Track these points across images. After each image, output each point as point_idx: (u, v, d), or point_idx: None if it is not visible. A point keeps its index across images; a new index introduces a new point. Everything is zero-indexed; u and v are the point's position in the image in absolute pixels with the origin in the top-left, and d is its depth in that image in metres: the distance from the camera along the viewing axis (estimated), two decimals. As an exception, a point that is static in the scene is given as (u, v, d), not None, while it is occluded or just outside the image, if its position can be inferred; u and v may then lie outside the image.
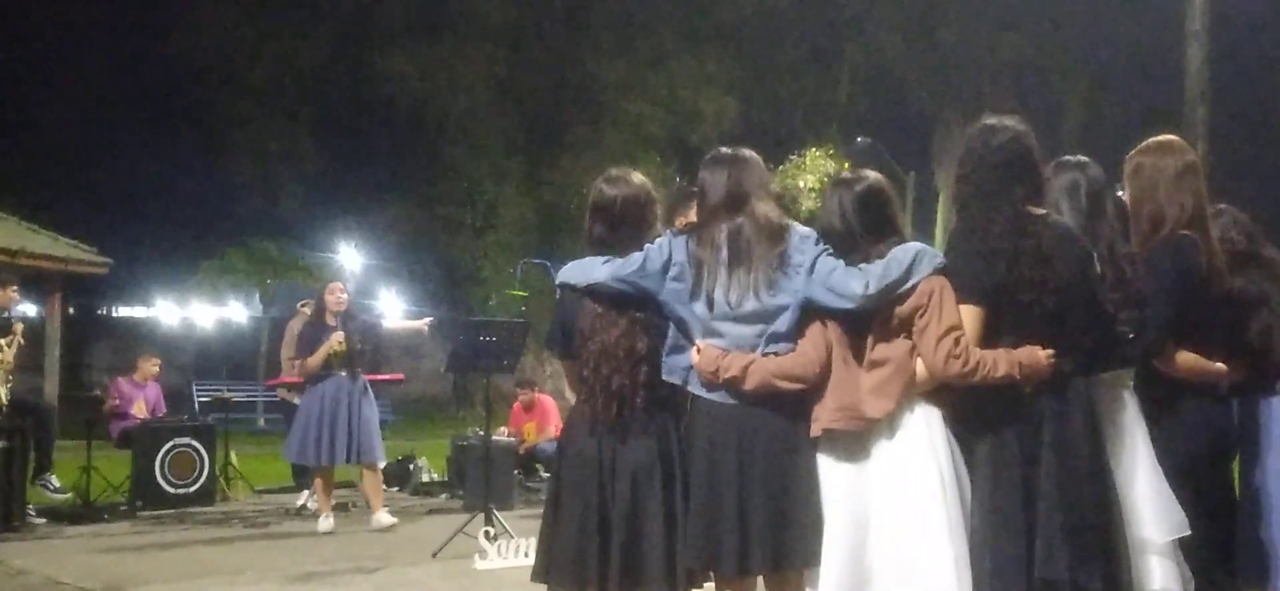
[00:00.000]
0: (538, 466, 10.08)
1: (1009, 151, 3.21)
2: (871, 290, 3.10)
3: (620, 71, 21.84)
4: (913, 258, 3.12)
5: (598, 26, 22.60)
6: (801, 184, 19.11)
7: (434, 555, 6.63)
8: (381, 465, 8.30)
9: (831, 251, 3.22)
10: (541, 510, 3.59)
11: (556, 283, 3.56)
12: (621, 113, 21.78)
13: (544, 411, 10.38)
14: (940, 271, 3.12)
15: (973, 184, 3.23)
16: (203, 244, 26.81)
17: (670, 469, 3.31)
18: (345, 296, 8.08)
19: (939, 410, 3.13)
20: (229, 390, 12.81)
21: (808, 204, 17.92)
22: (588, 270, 3.41)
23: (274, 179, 23.96)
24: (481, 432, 8.52)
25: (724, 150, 3.44)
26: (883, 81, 24.14)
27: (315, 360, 7.79)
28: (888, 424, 3.11)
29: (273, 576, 6.13)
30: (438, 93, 21.92)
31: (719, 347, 3.21)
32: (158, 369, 10.30)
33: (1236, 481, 3.75)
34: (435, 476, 10.77)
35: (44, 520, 8.30)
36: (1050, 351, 3.06)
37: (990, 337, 3.09)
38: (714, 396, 3.22)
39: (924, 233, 20.64)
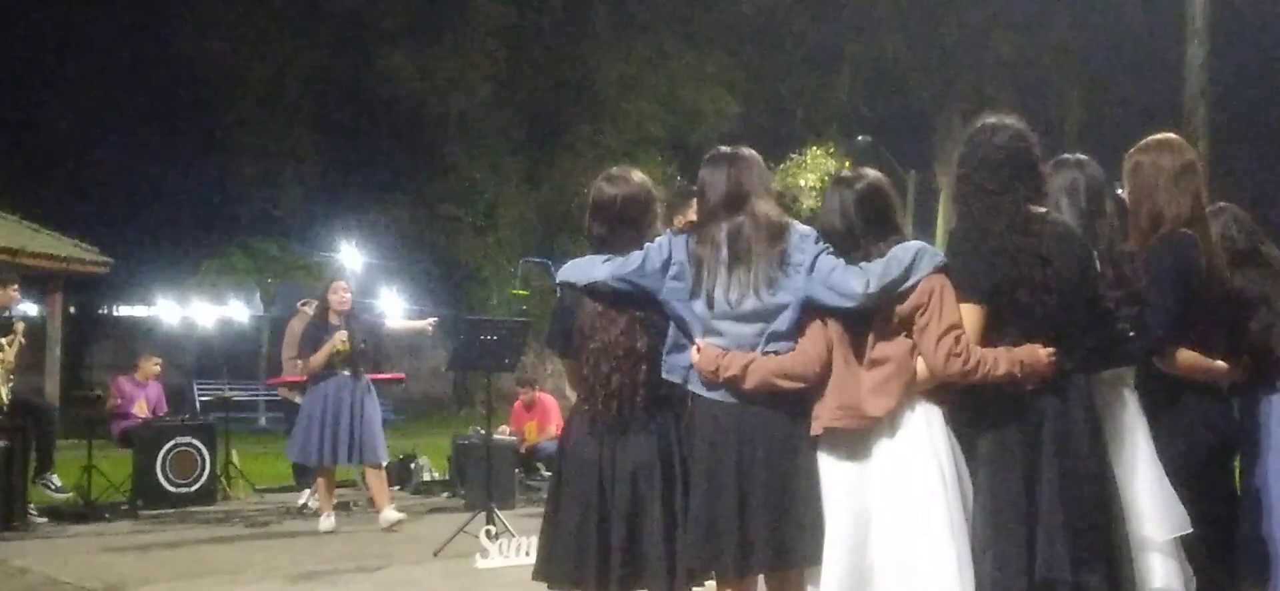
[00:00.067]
0: (539, 465, 10.08)
1: (1009, 150, 3.21)
2: (872, 289, 3.10)
3: (620, 70, 21.85)
4: (913, 256, 3.12)
5: (598, 26, 22.60)
6: (802, 183, 19.15)
7: (435, 554, 6.63)
8: (384, 464, 8.29)
9: (832, 250, 3.22)
10: (542, 509, 3.59)
11: (557, 281, 3.56)
12: (622, 112, 21.79)
13: (545, 410, 10.38)
14: (941, 270, 3.12)
15: (973, 183, 3.23)
16: (204, 243, 26.84)
17: (670, 468, 3.32)
18: (349, 296, 8.08)
19: (939, 409, 3.13)
20: (230, 389, 12.83)
21: (808, 203, 17.94)
22: (588, 269, 3.41)
23: (275, 178, 23.96)
24: (482, 431, 8.52)
25: (724, 149, 3.44)
26: (883, 80, 24.15)
27: (318, 359, 7.79)
28: (888, 422, 3.11)
29: (274, 575, 6.13)
30: (438, 92, 21.92)
31: (719, 346, 3.21)
32: (159, 368, 10.30)
33: (1237, 480, 3.75)
34: (436, 475, 10.78)
35: (45, 519, 8.32)
36: (1051, 350, 3.06)
37: (991, 336, 3.10)
38: (714, 395, 3.22)
39: (924, 231, 20.63)
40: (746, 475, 3.14)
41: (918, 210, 22.82)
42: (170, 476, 9.10)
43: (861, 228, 3.27)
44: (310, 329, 8.07)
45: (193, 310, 28.20)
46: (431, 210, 23.16)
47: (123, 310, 35.06)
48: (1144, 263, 3.39)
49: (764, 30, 23.30)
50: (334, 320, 7.92)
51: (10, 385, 8.00)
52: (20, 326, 8.13)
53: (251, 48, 22.75)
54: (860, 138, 22.84)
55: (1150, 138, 3.65)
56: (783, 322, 3.19)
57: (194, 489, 9.22)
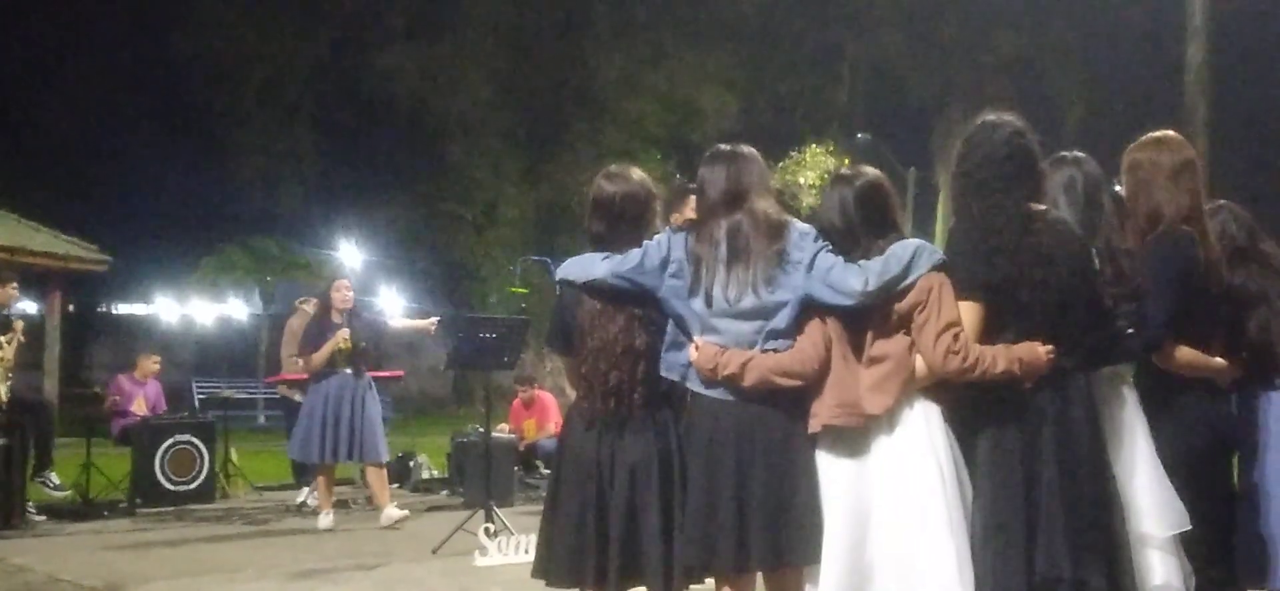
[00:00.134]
0: (538, 463, 10.08)
1: (1009, 148, 3.21)
2: (871, 287, 3.10)
3: (620, 69, 21.85)
4: (912, 254, 3.13)
5: (598, 24, 22.60)
6: (801, 181, 19.13)
7: (434, 552, 6.63)
8: (385, 463, 8.29)
9: (831, 248, 3.22)
10: (541, 507, 3.59)
11: (556, 279, 3.56)
12: (621, 110, 21.80)
13: (544, 408, 10.38)
14: (939, 267, 3.12)
15: (973, 181, 3.23)
16: (203, 241, 26.90)
17: (669, 465, 3.31)
18: (351, 294, 8.07)
19: (938, 406, 3.13)
20: (229, 387, 12.84)
21: (808, 200, 17.93)
22: (587, 267, 3.42)
23: (274, 177, 23.98)
24: (481, 429, 8.51)
25: (723, 147, 3.44)
26: (883, 78, 24.17)
27: (320, 357, 7.78)
28: (887, 420, 3.11)
29: (273, 573, 6.13)
30: (438, 91, 21.93)
31: (717, 344, 3.21)
32: (158, 366, 10.30)
33: (1235, 477, 3.75)
34: (435, 473, 10.79)
35: (44, 517, 8.31)
36: (1049, 348, 3.06)
37: (990, 334, 3.10)
38: (713, 393, 3.22)
39: (924, 229, 20.65)
40: (745, 473, 3.14)
41: (917, 208, 22.82)
42: (169, 474, 9.10)
43: (861, 225, 3.27)
44: (312, 327, 8.05)
45: (192, 308, 28.26)
46: (431, 208, 23.17)
47: (122, 308, 35.08)
48: (1142, 260, 3.39)
49: (764, 28, 23.31)
50: (336, 318, 7.91)
51: (9, 383, 8.00)
52: (19, 324, 8.13)
53: (251, 47, 22.75)
54: (860, 136, 22.85)
55: (1149, 135, 3.65)
56: (781, 320, 3.19)
57: (193, 487, 9.21)
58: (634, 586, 3.34)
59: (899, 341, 3.13)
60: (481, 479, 7.64)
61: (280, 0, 22.79)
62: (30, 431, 8.19)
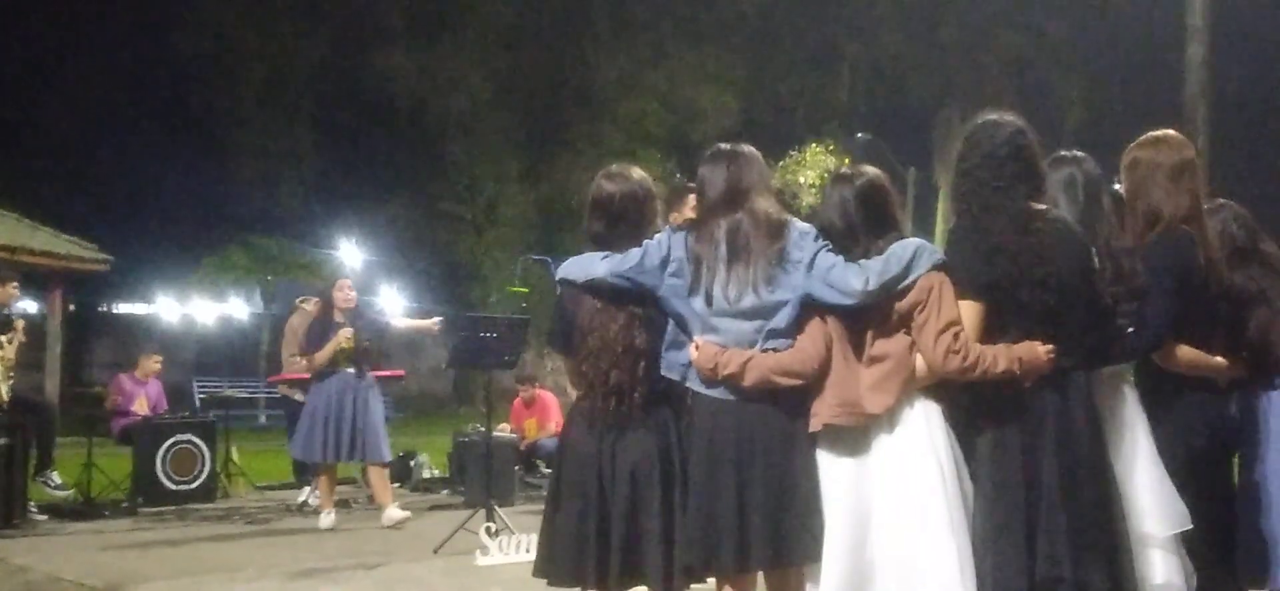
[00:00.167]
0: (539, 462, 10.08)
1: (1011, 147, 3.21)
2: (871, 286, 3.10)
3: (620, 68, 21.87)
4: (912, 253, 3.13)
5: (597, 24, 22.61)
6: (801, 180, 19.13)
7: (435, 551, 6.63)
8: (388, 462, 8.29)
9: (831, 247, 3.22)
10: (542, 506, 3.59)
11: (556, 279, 3.57)
12: (621, 110, 21.81)
13: (545, 407, 10.38)
14: (940, 267, 3.13)
15: (974, 180, 3.23)
16: (203, 241, 26.88)
17: (669, 464, 3.32)
18: (354, 293, 8.07)
19: (938, 405, 3.13)
20: (230, 387, 12.83)
21: (808, 200, 17.92)
22: (587, 266, 3.42)
23: (274, 176, 23.98)
24: (482, 429, 8.52)
25: (724, 146, 3.45)
26: (883, 78, 24.18)
27: (323, 356, 7.78)
28: (887, 419, 3.12)
29: (274, 573, 6.13)
30: (438, 90, 21.94)
31: (717, 344, 3.21)
32: (159, 365, 10.30)
33: (1236, 476, 3.75)
34: (436, 472, 10.78)
35: (45, 517, 8.31)
36: (1049, 347, 3.06)
37: (990, 333, 3.10)
38: (713, 393, 3.22)
39: (924, 228, 20.63)
40: (745, 473, 3.14)
41: (917, 207, 22.82)
42: (170, 474, 9.10)
43: (861, 224, 3.27)
44: (315, 326, 8.05)
45: (192, 307, 28.24)
46: (431, 208, 23.19)
47: (122, 308, 35.04)
48: (1142, 259, 3.39)
49: (764, 28, 23.33)
50: (339, 318, 7.91)
51: (10, 383, 8.00)
52: (20, 324, 8.13)
53: (251, 47, 22.77)
54: (860, 135, 22.83)
55: (1148, 134, 3.65)
56: (781, 320, 3.19)
57: (194, 486, 9.21)
58: (635, 585, 3.34)
59: (899, 341, 3.13)
60: (482, 478, 7.64)
61: (280, 0, 22.79)
62: (31, 431, 8.19)
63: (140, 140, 29.53)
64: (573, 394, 3.56)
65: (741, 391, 3.17)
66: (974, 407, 3.12)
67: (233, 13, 22.50)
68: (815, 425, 3.15)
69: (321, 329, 7.90)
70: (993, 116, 3.31)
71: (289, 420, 9.24)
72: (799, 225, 3.29)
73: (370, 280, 22.69)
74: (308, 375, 8.12)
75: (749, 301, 3.20)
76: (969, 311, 3.09)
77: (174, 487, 9.09)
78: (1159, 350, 3.39)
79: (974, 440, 3.12)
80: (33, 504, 8.30)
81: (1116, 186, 3.66)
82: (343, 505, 8.71)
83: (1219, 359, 3.51)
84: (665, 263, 3.29)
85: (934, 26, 23.03)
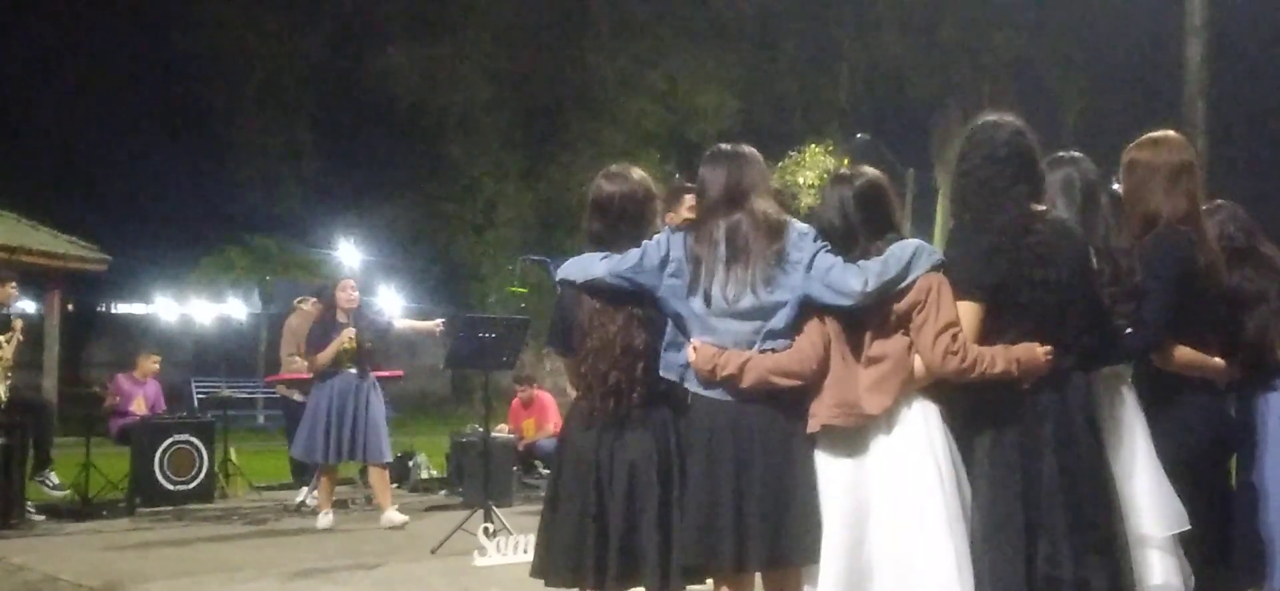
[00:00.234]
0: (537, 463, 10.08)
1: (1011, 148, 3.20)
2: (870, 287, 3.10)
3: (620, 68, 21.84)
4: (911, 254, 3.13)
5: (597, 24, 22.59)
6: (801, 181, 19.09)
7: (433, 551, 6.63)
8: (388, 463, 8.29)
9: (830, 248, 3.22)
10: (540, 507, 3.59)
11: (556, 279, 3.57)
12: (621, 109, 21.79)
13: (543, 408, 10.38)
14: (938, 268, 3.12)
15: (974, 180, 3.23)
16: (202, 241, 26.89)
17: (668, 465, 3.32)
18: (356, 294, 8.07)
19: (936, 406, 3.13)
20: (228, 387, 12.82)
21: (807, 200, 17.90)
22: (586, 266, 3.42)
23: (273, 176, 23.95)
24: (481, 429, 8.52)
25: (723, 147, 3.45)
26: (882, 78, 24.14)
27: (326, 356, 7.78)
28: (885, 420, 3.11)
29: (272, 573, 6.13)
30: (437, 90, 21.90)
31: (716, 345, 3.21)
32: (157, 366, 10.30)
33: (1233, 477, 3.75)
34: (434, 473, 10.78)
35: (43, 517, 8.31)
36: (1048, 348, 3.06)
37: (989, 334, 3.09)
38: (711, 393, 3.22)
39: (923, 229, 20.64)
40: (743, 473, 3.14)
41: (916, 208, 22.81)
42: (168, 474, 9.10)
43: (860, 225, 3.27)
44: (317, 327, 8.05)
45: (191, 307, 28.25)
46: (430, 208, 23.15)
47: (121, 308, 35.07)
48: (1140, 259, 3.39)
49: (763, 28, 23.31)
50: (341, 318, 7.91)
51: (9, 382, 8.00)
52: (19, 324, 8.14)
53: (251, 46, 22.73)
54: (859, 136, 22.80)
55: (1147, 135, 3.65)
56: (780, 320, 3.19)
57: (192, 486, 9.21)
58: (633, 586, 3.34)
59: (898, 341, 3.13)
60: (480, 478, 7.65)
61: (280, 0, 22.78)
62: (29, 431, 8.20)
63: (139, 140, 29.54)
64: (572, 394, 3.56)
65: (740, 392, 3.16)
66: (972, 409, 3.12)
67: (232, 12, 22.46)
68: (813, 426, 3.15)
69: (324, 329, 7.90)
70: (993, 117, 3.30)
71: (287, 420, 9.25)
72: (798, 226, 3.29)
73: (369, 280, 22.68)
74: (306, 375, 8.12)
75: (748, 302, 3.20)
76: (968, 312, 3.09)
77: (172, 488, 9.09)
78: (1157, 350, 3.39)
79: (972, 441, 3.12)
80: (31, 504, 8.31)
81: (1115, 187, 3.66)
82: (341, 505, 8.71)
83: (1217, 359, 3.51)
84: (664, 263, 3.28)
85: (934, 27, 23.00)
